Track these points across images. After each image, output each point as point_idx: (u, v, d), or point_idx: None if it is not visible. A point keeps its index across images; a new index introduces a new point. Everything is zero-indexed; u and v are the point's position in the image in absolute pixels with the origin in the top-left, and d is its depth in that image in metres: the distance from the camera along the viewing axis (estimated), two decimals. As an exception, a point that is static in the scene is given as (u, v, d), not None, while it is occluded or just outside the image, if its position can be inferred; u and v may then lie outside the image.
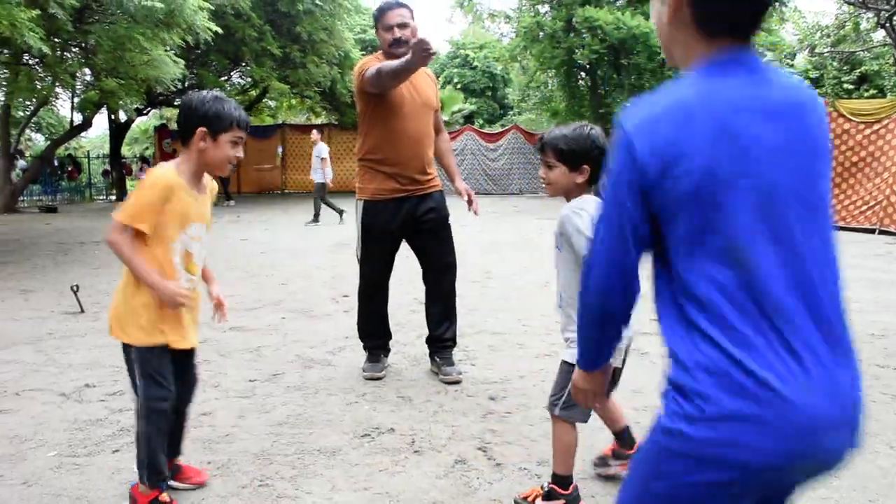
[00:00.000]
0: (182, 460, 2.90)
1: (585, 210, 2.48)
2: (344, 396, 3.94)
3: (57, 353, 4.82)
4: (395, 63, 3.72)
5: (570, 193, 2.63)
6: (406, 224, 4.15)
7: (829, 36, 15.06)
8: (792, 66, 15.74)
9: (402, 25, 4.02)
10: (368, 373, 4.27)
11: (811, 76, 14.47)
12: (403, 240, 4.27)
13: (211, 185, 2.77)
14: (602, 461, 2.94)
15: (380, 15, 4.10)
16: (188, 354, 2.76)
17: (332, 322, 5.72)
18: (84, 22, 10.45)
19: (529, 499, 2.62)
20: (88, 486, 2.86)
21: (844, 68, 14.37)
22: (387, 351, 4.46)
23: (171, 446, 2.78)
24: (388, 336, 4.45)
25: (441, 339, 4.32)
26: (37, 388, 4.08)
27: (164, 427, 2.61)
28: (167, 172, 2.52)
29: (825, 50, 15.07)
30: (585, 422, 2.63)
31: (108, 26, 9.99)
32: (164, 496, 2.59)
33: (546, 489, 2.60)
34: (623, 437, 2.88)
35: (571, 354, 2.52)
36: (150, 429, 2.56)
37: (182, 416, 2.84)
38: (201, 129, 2.49)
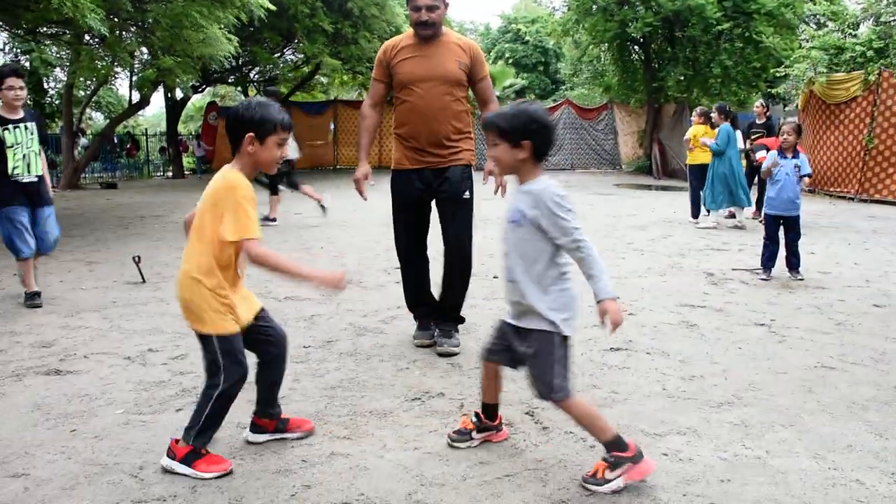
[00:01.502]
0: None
1: (560, 190, 2.58)
2: (395, 363, 4.05)
3: (121, 319, 5.04)
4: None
5: (517, 170, 2.67)
6: (424, 195, 4.28)
7: (895, 3, 14.50)
8: (855, 36, 15.20)
9: (431, 8, 4.06)
10: (418, 340, 4.39)
11: (875, 46, 13.92)
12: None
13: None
14: (463, 434, 2.95)
15: None
16: (259, 319, 2.95)
17: (385, 292, 5.84)
18: (142, 1, 10.69)
19: (599, 474, 2.57)
20: (154, 441, 3.02)
21: (911, 38, 13.83)
22: (435, 319, 4.52)
23: (273, 401, 3.05)
24: (434, 304, 4.51)
25: (441, 310, 4.41)
26: (103, 352, 4.28)
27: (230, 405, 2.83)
28: (244, 180, 2.73)
29: (891, 18, 14.49)
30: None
31: (165, 5, 10.21)
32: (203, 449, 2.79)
33: (611, 459, 2.57)
34: (492, 409, 2.98)
35: (568, 326, 2.62)
36: (222, 408, 2.79)
37: (281, 370, 3.06)
38: (249, 135, 2.71)
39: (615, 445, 2.58)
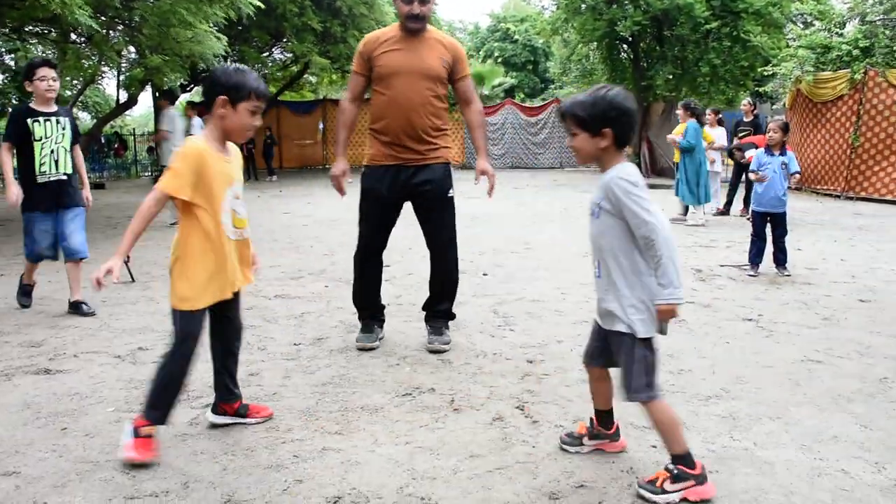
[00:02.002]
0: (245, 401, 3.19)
1: (631, 176, 2.47)
2: (385, 359, 4.06)
3: (111, 318, 5.03)
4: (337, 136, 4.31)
5: (599, 160, 2.58)
6: (399, 193, 4.17)
7: (881, 3, 14.60)
8: (841, 35, 15.30)
9: (424, 0, 4.03)
10: (361, 343, 4.26)
11: (861, 45, 14.03)
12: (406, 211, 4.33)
13: (235, 149, 2.99)
14: (574, 439, 2.87)
15: None
16: (234, 301, 3.01)
17: (374, 290, 5.84)
18: (129, -1, 10.65)
19: (658, 483, 2.48)
20: (145, 437, 3.01)
21: (896, 37, 13.95)
22: (380, 321, 4.44)
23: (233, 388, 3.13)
24: (380, 307, 4.45)
25: (432, 309, 4.40)
26: (93, 351, 4.27)
27: None
28: (195, 141, 2.77)
29: (877, 18, 14.61)
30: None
31: (152, 2, 10.17)
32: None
33: (674, 472, 2.47)
34: (605, 416, 2.83)
35: (644, 327, 2.50)
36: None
37: (236, 357, 3.15)
38: (222, 98, 2.73)
39: (683, 460, 2.49)
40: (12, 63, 21.25)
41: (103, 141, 24.07)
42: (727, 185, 11.98)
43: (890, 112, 13.31)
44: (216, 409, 3.15)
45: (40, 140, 5.02)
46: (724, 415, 3.23)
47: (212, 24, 11.40)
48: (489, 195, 4.39)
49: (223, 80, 2.74)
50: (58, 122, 5.12)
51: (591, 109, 2.50)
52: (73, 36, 14.02)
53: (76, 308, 5.18)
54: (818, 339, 4.43)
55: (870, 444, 2.91)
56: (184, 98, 31.52)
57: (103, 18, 10.97)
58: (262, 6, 12.19)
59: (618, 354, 2.58)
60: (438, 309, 4.38)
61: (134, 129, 29.42)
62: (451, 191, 4.26)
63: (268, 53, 23.15)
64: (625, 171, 2.50)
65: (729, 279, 6.31)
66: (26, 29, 12.64)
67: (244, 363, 3.98)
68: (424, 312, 4.49)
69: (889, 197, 13.33)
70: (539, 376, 3.76)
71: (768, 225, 6.48)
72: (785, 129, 6.52)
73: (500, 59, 35.88)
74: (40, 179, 5.04)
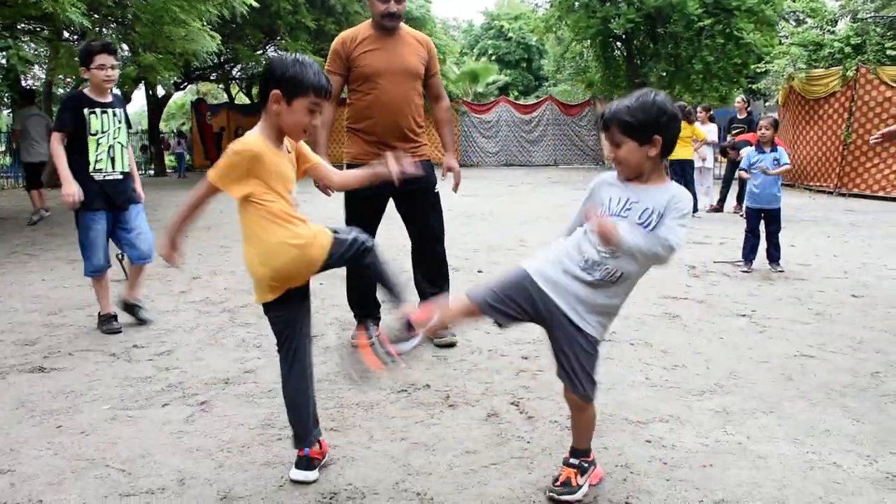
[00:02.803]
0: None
1: (686, 201, 2.31)
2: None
3: (106, 316, 5.02)
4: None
5: (644, 170, 2.35)
6: (385, 191, 4.06)
7: (872, 1, 14.67)
8: (833, 32, 15.36)
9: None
10: (354, 341, 4.08)
11: (853, 43, 14.09)
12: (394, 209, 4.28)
13: (294, 145, 2.67)
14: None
15: None
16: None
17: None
18: (122, -4, 10.62)
19: (573, 481, 2.46)
20: (142, 435, 3.02)
21: (888, 34, 13.98)
22: (376, 319, 4.36)
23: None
24: (375, 305, 4.40)
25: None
26: (88, 349, 4.27)
27: None
28: (252, 139, 2.45)
29: (868, 15, 14.66)
30: None
31: (145, 0, 10.14)
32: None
33: (581, 465, 2.51)
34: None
35: (602, 332, 2.46)
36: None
37: None
38: (275, 92, 2.42)
39: (586, 452, 2.54)
40: (4, 61, 21.12)
41: (96, 139, 23.95)
42: (720, 182, 12.04)
43: (881, 109, 13.37)
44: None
45: (96, 135, 4.51)
46: (718, 409, 3.25)
47: (205, 22, 11.37)
48: (454, 191, 4.46)
49: (279, 71, 2.42)
50: (114, 114, 4.62)
51: (640, 115, 2.29)
52: (66, 34, 13.97)
53: (132, 310, 4.84)
54: (811, 335, 4.46)
55: (862, 438, 2.93)
56: (178, 96, 31.50)
57: (96, 16, 10.93)
58: (256, 4, 12.16)
59: (571, 348, 2.44)
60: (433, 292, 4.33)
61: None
62: (435, 187, 4.28)
63: (262, 51, 23.09)
64: (685, 193, 2.35)
65: (723, 275, 6.33)
66: (19, 26, 12.58)
67: (239, 360, 4.00)
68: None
69: (881, 193, 13.39)
70: (534, 372, 3.77)
71: (762, 221, 6.51)
72: (775, 125, 6.56)
73: (493, 57, 35.89)
74: (96, 178, 4.53)
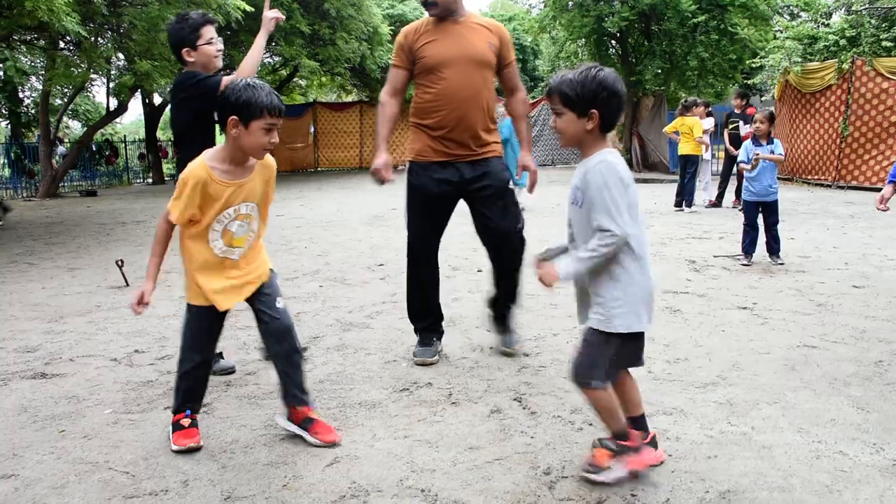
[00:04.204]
0: (316, 414, 3.01)
1: (616, 165, 2.36)
2: (382, 356, 4.06)
3: (106, 322, 5.01)
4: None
5: (582, 143, 2.45)
6: (451, 191, 3.86)
7: (865, -7, 14.70)
8: (828, 25, 15.37)
9: None
10: (418, 358, 3.92)
11: (848, 35, 14.10)
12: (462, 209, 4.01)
13: (265, 162, 2.88)
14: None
15: None
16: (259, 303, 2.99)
17: (369, 289, 5.85)
18: (117, 5, 10.61)
19: (604, 464, 2.49)
20: (144, 438, 3.01)
21: (883, 26, 13.99)
22: (439, 334, 4.12)
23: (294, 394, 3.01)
24: (438, 317, 4.13)
25: (499, 309, 4.10)
26: (89, 355, 4.26)
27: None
28: (197, 169, 2.71)
29: (862, 7, 14.68)
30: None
31: (140, 8, 10.14)
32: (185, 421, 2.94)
33: (608, 446, 2.52)
34: (639, 422, 2.63)
35: (603, 321, 2.41)
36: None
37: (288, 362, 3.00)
38: (233, 118, 2.63)
39: (621, 436, 2.51)
40: (1, 73, 21.14)
41: (94, 148, 23.96)
42: (718, 177, 12.05)
43: (878, 101, 13.37)
44: (287, 415, 3.01)
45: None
46: (722, 401, 3.24)
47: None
48: (530, 192, 4.10)
49: (233, 98, 2.62)
50: None
51: (579, 88, 2.36)
52: (62, 44, 13.98)
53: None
54: (813, 325, 4.45)
55: (867, 426, 2.93)
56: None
57: (92, 25, 10.93)
58: (251, 9, 12.16)
59: (586, 341, 2.49)
60: (504, 307, 4.07)
61: (125, 137, 29.29)
62: (511, 183, 3.92)
63: (257, 57, 23.09)
64: (611, 157, 2.39)
65: (723, 269, 6.33)
66: (14, 38, 12.59)
67: (241, 363, 3.99)
68: (490, 312, 4.18)
69: (879, 185, 13.37)
70: (535, 368, 3.76)
71: (760, 215, 6.51)
72: (770, 118, 6.56)
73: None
74: None
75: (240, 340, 4.43)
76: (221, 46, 3.71)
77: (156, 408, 3.37)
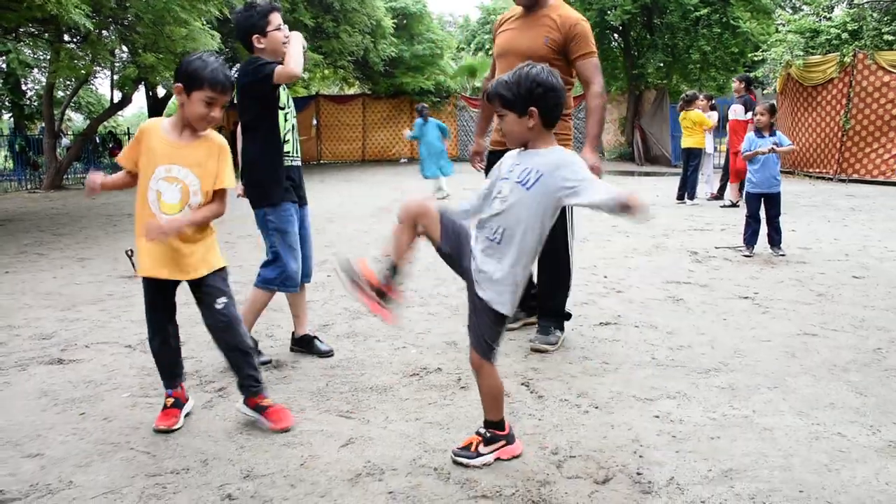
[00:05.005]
0: (268, 401, 3.07)
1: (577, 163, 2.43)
2: (391, 342, 4.15)
3: (118, 310, 5.10)
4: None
5: (529, 141, 2.51)
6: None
7: (868, -14, 14.73)
8: (830, 19, 15.41)
9: None
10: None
11: (850, 29, 14.14)
12: None
13: (212, 135, 2.98)
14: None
15: None
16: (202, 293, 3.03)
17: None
18: (123, -2, 10.67)
19: (472, 447, 2.61)
20: (163, 420, 3.10)
21: (885, 19, 14.02)
22: (524, 307, 4.22)
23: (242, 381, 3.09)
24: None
25: (541, 305, 4.15)
26: (104, 342, 4.35)
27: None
28: (147, 122, 2.98)
29: (864, 1, 14.72)
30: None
31: (146, 1, 10.19)
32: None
33: (487, 434, 2.63)
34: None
35: (511, 308, 2.55)
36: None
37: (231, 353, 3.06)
38: (177, 85, 2.83)
39: (496, 425, 2.65)
40: (4, 65, 21.21)
41: (98, 141, 24.04)
42: (720, 171, 12.11)
43: (880, 94, 13.42)
44: (244, 401, 3.09)
45: (284, 109, 3.75)
46: (724, 386, 3.33)
47: (205, 21, 11.44)
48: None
49: (182, 68, 2.82)
50: (287, 86, 3.84)
51: (515, 89, 2.44)
52: (66, 37, 14.02)
53: (308, 346, 4.01)
54: (813, 314, 4.54)
55: (865, 410, 3.02)
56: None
57: (98, 18, 10.99)
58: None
59: (476, 314, 2.59)
60: (546, 305, 4.10)
61: (129, 129, 29.36)
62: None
63: (260, 50, 23.15)
64: (568, 156, 2.46)
65: (725, 260, 6.41)
66: (22, 30, 12.64)
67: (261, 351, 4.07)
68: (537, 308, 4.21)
69: (881, 178, 13.46)
70: (542, 355, 3.85)
71: (762, 206, 6.59)
72: (772, 110, 6.64)
73: (490, 52, 35.93)
74: (287, 162, 3.76)
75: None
76: (289, 33, 3.65)
77: (172, 392, 3.45)
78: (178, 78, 2.83)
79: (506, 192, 2.51)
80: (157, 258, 2.91)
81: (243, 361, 3.05)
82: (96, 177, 2.96)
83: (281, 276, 3.70)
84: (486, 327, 2.57)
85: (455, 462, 2.61)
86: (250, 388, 3.05)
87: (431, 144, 12.24)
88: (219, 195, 2.97)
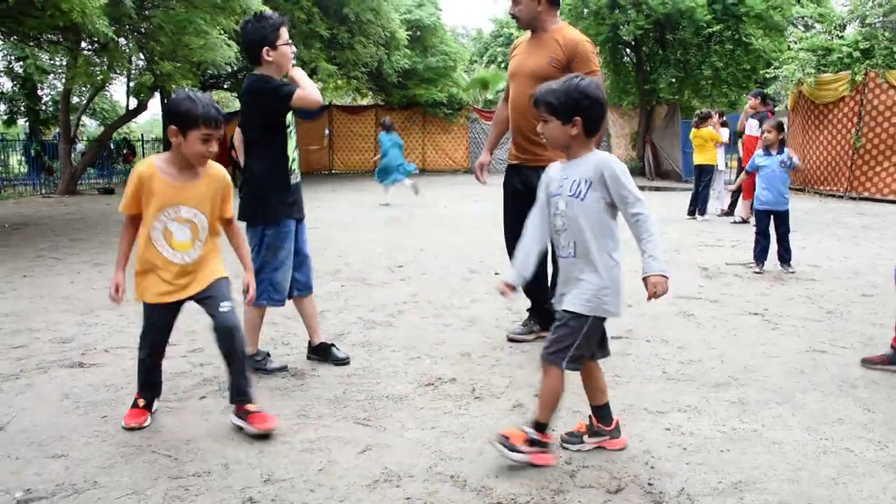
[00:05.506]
0: (253, 407, 3.13)
1: (619, 160, 2.67)
2: (406, 352, 4.22)
3: (136, 316, 5.11)
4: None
5: (569, 147, 2.69)
6: (519, 192, 4.28)
7: (880, 6, 14.76)
8: (842, 37, 15.47)
9: (514, 1, 4.23)
10: (509, 333, 4.50)
11: (861, 47, 14.21)
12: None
13: (213, 170, 3.10)
14: (575, 437, 2.90)
15: None
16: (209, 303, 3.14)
17: (390, 289, 6.00)
18: (144, 8, 10.84)
19: (512, 440, 2.67)
20: (183, 425, 3.17)
21: (897, 39, 14.12)
22: (538, 319, 4.49)
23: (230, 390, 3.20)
24: (536, 300, 4.50)
25: (550, 314, 4.31)
26: (123, 346, 4.43)
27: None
28: (143, 165, 3.03)
29: (876, 20, 14.77)
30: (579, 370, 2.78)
31: (168, 12, 10.35)
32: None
33: (532, 435, 2.69)
34: (602, 412, 2.87)
35: (587, 305, 2.66)
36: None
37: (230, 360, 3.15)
38: (172, 128, 2.89)
39: (542, 428, 2.73)
40: (21, 70, 21.48)
41: (112, 147, 24.27)
42: (731, 186, 12.16)
43: (891, 112, 13.46)
44: (234, 410, 3.16)
45: (289, 127, 3.79)
46: (734, 400, 3.39)
47: (222, 31, 11.59)
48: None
49: (173, 109, 2.89)
50: None
51: (563, 97, 2.61)
52: (84, 44, 14.21)
53: (325, 354, 4.04)
54: (822, 331, 4.59)
55: (873, 426, 3.07)
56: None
57: (117, 27, 11.17)
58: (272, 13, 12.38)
59: (559, 321, 2.72)
60: (551, 310, 4.25)
61: (143, 135, 29.62)
62: None
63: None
64: (614, 157, 2.66)
65: (735, 276, 6.46)
66: (43, 37, 12.83)
67: (271, 357, 4.14)
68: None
69: (891, 197, 13.47)
70: (555, 367, 3.91)
71: (772, 224, 6.64)
72: (780, 128, 6.70)
73: (503, 65, 36.06)
74: (292, 180, 3.82)
75: (266, 336, 4.59)
76: (294, 50, 3.76)
77: (192, 397, 3.53)
78: (170, 120, 2.89)
79: (563, 207, 2.70)
80: (169, 285, 3.08)
81: (239, 368, 3.13)
82: (115, 285, 3.12)
83: (267, 291, 3.74)
84: (565, 329, 2.69)
85: (493, 445, 2.71)
86: (235, 397, 3.14)
87: (392, 156, 13.68)
88: (229, 222, 3.23)
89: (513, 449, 2.66)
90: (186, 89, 3.05)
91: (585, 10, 20.95)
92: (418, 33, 23.86)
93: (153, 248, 3.02)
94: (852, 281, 6.18)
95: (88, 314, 5.26)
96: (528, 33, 4.40)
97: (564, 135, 2.64)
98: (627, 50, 22.92)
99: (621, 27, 20.02)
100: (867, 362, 3.87)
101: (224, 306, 3.09)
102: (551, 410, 2.73)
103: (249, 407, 3.12)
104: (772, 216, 6.61)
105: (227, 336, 3.09)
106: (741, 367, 3.89)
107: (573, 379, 3.62)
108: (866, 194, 13.92)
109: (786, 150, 6.63)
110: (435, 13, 24.75)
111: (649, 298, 2.64)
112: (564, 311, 2.71)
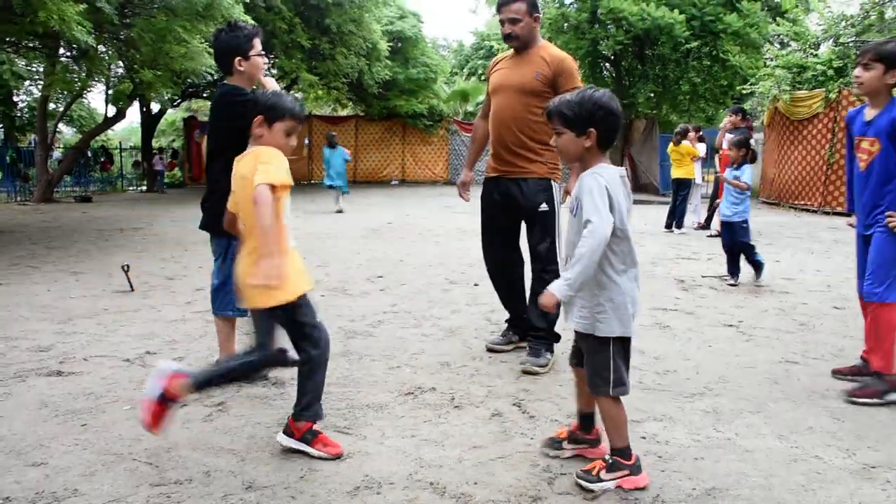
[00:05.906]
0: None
1: (602, 176, 2.54)
2: (386, 362, 4.25)
3: (115, 325, 5.17)
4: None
5: (583, 159, 2.64)
6: (498, 204, 4.36)
7: (853, 26, 15.07)
8: (816, 55, 15.77)
9: (514, 21, 4.19)
10: (489, 344, 4.55)
11: (835, 66, 14.50)
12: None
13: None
14: (555, 443, 2.93)
15: (497, 7, 4.31)
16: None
17: (370, 299, 6.03)
18: (124, 16, 10.81)
19: (594, 471, 2.63)
20: (164, 433, 3.18)
21: (869, 57, 14.41)
22: (517, 330, 4.55)
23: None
24: (515, 314, 4.58)
25: (530, 328, 4.33)
26: (102, 355, 4.42)
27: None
28: (266, 148, 2.91)
29: (849, 40, 15.07)
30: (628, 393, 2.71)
31: (149, 20, 10.35)
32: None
33: (610, 461, 2.64)
34: (586, 420, 2.89)
35: (608, 327, 2.58)
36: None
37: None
38: (258, 118, 2.92)
39: (622, 452, 2.65)
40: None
41: (90, 154, 24.08)
42: (707, 200, 12.32)
43: (864, 130, 13.70)
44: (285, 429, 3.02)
45: None
46: (708, 409, 3.45)
47: (204, 40, 11.59)
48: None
49: (261, 101, 2.96)
50: None
51: (577, 109, 2.57)
52: (63, 50, 14.14)
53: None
54: (795, 343, 4.68)
55: (842, 434, 3.15)
56: (169, 113, 31.63)
57: (97, 34, 11.13)
58: (253, 23, 12.41)
59: (585, 351, 2.72)
60: (536, 328, 4.26)
61: (120, 143, 29.40)
62: (544, 204, 4.21)
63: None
64: (600, 169, 2.58)
65: (710, 289, 6.56)
66: (22, 43, 12.75)
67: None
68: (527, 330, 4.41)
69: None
70: (533, 377, 3.96)
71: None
72: (738, 145, 6.82)
73: (483, 77, 36.30)
74: None
75: (245, 344, 4.59)
76: (267, 61, 3.71)
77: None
78: (256, 112, 2.91)
79: (568, 223, 2.73)
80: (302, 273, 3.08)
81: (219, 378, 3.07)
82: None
83: (233, 302, 3.63)
84: (595, 359, 2.66)
85: (577, 484, 2.64)
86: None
87: (337, 169, 14.66)
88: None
89: (595, 480, 2.61)
90: (271, 90, 3.03)
91: (566, 25, 21.14)
92: (399, 45, 23.99)
93: (285, 228, 2.95)
94: (824, 294, 6.31)
95: (66, 323, 5.24)
96: (507, 51, 4.44)
97: (578, 147, 2.61)
98: (607, 64, 23.14)
99: (601, 42, 20.25)
100: (837, 373, 3.97)
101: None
102: (618, 435, 2.66)
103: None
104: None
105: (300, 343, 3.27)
106: (716, 377, 3.96)
107: (552, 388, 3.68)
108: (839, 209, 14.16)
109: (745, 167, 6.76)
110: (416, 25, 24.90)
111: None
112: (579, 334, 2.71)
